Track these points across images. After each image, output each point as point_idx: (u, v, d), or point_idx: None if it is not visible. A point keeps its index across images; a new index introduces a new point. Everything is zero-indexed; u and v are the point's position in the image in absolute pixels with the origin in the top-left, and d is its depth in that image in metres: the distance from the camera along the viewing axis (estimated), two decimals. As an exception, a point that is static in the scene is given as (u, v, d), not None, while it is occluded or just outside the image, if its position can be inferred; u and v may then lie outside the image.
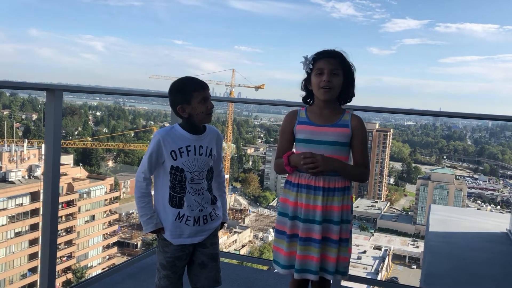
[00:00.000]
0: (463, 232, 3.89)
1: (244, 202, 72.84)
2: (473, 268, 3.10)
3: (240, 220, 64.44)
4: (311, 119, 2.30)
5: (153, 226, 2.28)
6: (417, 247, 58.50)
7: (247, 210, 69.80)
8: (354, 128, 2.26)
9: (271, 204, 74.77)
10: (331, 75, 2.22)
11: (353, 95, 2.34)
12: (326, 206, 2.21)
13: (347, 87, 2.30)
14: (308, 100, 2.39)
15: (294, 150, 2.37)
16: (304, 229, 2.22)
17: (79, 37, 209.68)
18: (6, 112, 79.25)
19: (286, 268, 2.27)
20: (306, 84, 2.35)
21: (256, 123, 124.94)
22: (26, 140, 50.52)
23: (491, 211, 60.12)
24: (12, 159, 41.18)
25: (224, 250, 26.59)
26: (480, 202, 77.53)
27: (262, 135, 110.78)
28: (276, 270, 2.35)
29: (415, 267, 54.51)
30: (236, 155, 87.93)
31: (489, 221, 4.49)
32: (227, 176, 66.12)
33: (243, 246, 54.42)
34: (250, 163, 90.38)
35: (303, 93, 2.39)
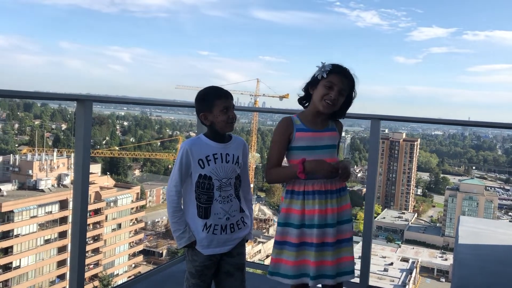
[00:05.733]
0: (495, 245, 3.78)
1: (268, 212, 72.56)
2: (506, 283, 3.00)
3: (264, 230, 64.20)
4: (307, 125, 2.34)
5: (186, 240, 2.30)
6: (446, 259, 57.06)
7: (271, 220, 69.46)
8: (339, 132, 2.42)
9: (295, 214, 74.28)
10: (339, 93, 2.28)
11: (344, 116, 2.45)
12: (341, 207, 2.30)
13: (343, 108, 2.38)
14: (304, 102, 2.42)
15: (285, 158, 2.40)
16: (319, 234, 2.22)
17: (107, 48, 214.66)
18: (37, 122, 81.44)
19: (296, 277, 2.26)
20: (308, 87, 2.37)
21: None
22: (56, 149, 51.73)
23: (524, 223, 58.12)
24: (42, 167, 42.21)
25: (249, 260, 26.52)
26: (512, 214, 75.23)
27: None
28: (279, 281, 2.31)
29: (444, 280, 53.16)
30: (261, 165, 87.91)
31: (522, 233, 4.35)
32: (251, 185, 66.08)
33: (267, 256, 54.13)
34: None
35: (301, 94, 2.41)
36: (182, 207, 2.35)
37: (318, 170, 2.22)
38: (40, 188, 38.86)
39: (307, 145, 2.31)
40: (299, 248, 2.25)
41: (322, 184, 2.24)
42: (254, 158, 78.80)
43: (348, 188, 2.39)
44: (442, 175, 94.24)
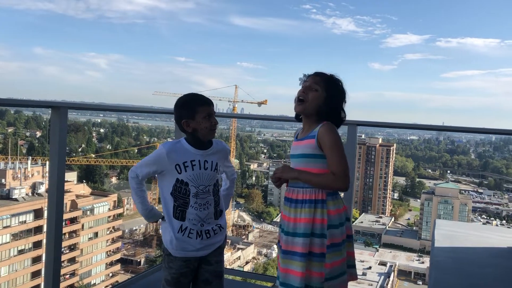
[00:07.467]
0: (469, 247, 3.85)
1: (247, 218, 72.47)
2: (481, 284, 3.06)
3: (243, 236, 64.04)
4: (298, 135, 2.37)
5: (151, 217, 2.41)
6: (423, 262, 57.99)
7: (250, 226, 69.39)
8: (319, 137, 2.18)
9: (274, 220, 74.39)
10: (309, 89, 2.25)
11: (339, 116, 2.29)
12: (295, 218, 2.18)
13: (327, 105, 2.24)
14: (300, 117, 2.39)
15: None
16: (282, 239, 2.23)
17: (83, 54, 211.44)
18: (10, 129, 79.68)
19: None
20: None
21: (259, 138, 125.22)
22: (30, 157, 50.67)
23: (497, 225, 59.60)
24: (16, 176, 41.27)
25: (228, 266, 26.37)
26: (485, 217, 77.01)
27: (265, 151, 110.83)
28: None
29: (421, 283, 54.01)
30: (240, 171, 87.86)
31: (495, 235, 4.45)
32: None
33: (247, 262, 53.96)
34: (254, 178, 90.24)
35: None
36: (161, 204, 2.35)
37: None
38: (13, 197, 37.91)
39: (291, 153, 2.35)
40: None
41: (289, 192, 2.27)
42: (232, 164, 78.70)
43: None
44: (418, 179, 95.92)
